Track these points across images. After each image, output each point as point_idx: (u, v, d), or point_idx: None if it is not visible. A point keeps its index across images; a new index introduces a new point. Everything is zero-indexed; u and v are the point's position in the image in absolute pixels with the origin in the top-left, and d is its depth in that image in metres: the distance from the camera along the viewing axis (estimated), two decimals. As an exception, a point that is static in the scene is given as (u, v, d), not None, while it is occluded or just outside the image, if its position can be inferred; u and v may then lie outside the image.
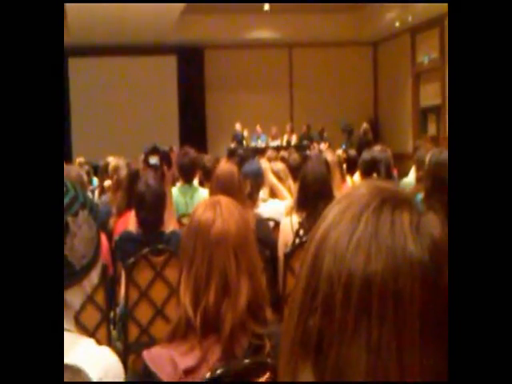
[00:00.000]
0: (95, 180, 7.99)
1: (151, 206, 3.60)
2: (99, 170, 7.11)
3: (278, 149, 11.76)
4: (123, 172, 5.13)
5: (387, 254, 0.74)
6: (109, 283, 3.45)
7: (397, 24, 16.42)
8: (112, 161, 6.55)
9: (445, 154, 3.89)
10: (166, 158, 4.19)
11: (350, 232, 0.77)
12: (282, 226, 4.07)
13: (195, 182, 5.56)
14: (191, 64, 18.05)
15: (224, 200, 1.92)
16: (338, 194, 4.40)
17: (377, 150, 6.20)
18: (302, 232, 3.88)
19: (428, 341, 0.74)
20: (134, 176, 4.42)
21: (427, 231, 0.77)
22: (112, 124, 17.37)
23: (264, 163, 5.28)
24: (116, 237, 3.87)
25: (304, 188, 3.97)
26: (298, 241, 3.87)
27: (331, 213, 0.81)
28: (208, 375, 1.66)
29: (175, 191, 4.96)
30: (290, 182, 5.49)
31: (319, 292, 0.76)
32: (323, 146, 14.60)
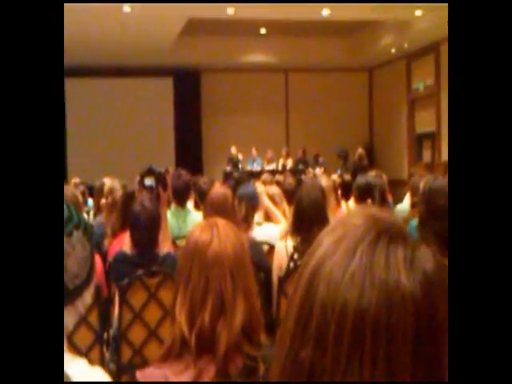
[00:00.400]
0: (90, 201, 7.98)
1: (146, 227, 3.60)
2: (94, 191, 7.11)
3: (273, 172, 11.78)
4: (118, 193, 5.13)
5: (381, 287, 0.74)
6: (103, 304, 3.44)
7: (393, 50, 16.56)
8: (107, 182, 6.54)
9: (439, 181, 3.91)
10: (161, 179, 4.20)
11: (345, 264, 0.76)
12: (276, 250, 4.07)
13: (190, 204, 5.55)
14: (187, 86, 18.13)
15: (221, 222, 1.94)
16: (333, 218, 4.41)
17: (372, 175, 6.23)
18: (296, 256, 3.89)
19: (420, 377, 0.73)
20: (129, 197, 4.42)
21: (420, 266, 0.77)
22: (108, 145, 17.39)
23: (259, 186, 5.30)
24: (110, 258, 3.86)
25: (299, 212, 3.98)
26: (292, 265, 3.87)
27: (325, 241, 0.81)
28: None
29: (168, 214, 4.96)
30: (285, 205, 5.50)
31: (312, 322, 0.76)
32: (318, 170, 14.62)
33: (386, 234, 0.79)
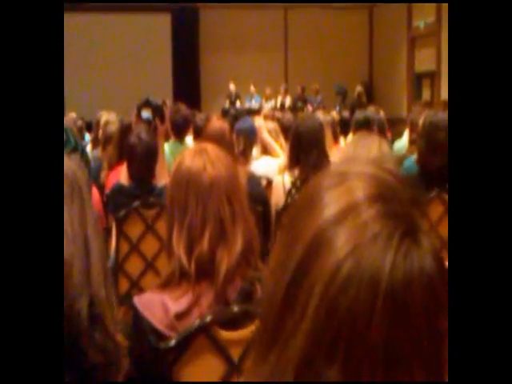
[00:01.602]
0: (88, 136, 7.93)
1: (142, 159, 3.58)
2: (92, 126, 7.06)
3: (272, 110, 11.71)
4: (113, 126, 5.08)
5: (405, 267, 0.71)
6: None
7: (394, -13, 16.29)
8: (103, 115, 6.49)
9: (439, 116, 3.88)
10: (158, 111, 4.15)
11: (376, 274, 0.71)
12: (274, 185, 4.05)
13: (189, 139, 5.51)
14: (186, 22, 17.86)
15: (210, 147, 1.90)
16: (330, 153, 4.39)
17: (370, 110, 6.18)
18: (294, 191, 3.88)
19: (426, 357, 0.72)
20: (125, 129, 4.38)
21: (429, 248, 0.74)
22: (105, 81, 17.21)
23: (258, 121, 5.25)
24: (107, 190, 3.85)
25: (296, 139, 3.92)
26: (290, 200, 3.86)
27: (327, 201, 0.77)
28: (197, 322, 1.67)
29: (166, 148, 4.93)
30: (282, 140, 5.46)
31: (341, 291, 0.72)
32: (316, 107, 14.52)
33: (398, 227, 0.74)
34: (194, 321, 1.67)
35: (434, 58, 15.68)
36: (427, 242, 0.74)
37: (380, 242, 0.72)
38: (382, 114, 6.05)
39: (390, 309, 0.70)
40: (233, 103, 15.33)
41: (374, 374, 0.70)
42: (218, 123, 4.00)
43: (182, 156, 1.90)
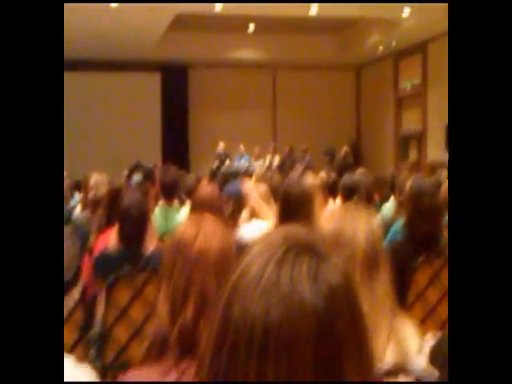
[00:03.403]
0: (77, 196, 7.92)
1: (135, 222, 3.58)
2: (81, 186, 7.06)
3: (263, 171, 11.77)
4: (103, 188, 5.09)
5: (285, 302, 0.79)
6: (88, 301, 3.41)
7: (380, 48, 16.59)
8: (93, 176, 6.50)
9: (426, 181, 3.94)
10: (149, 175, 4.19)
11: (256, 281, 0.81)
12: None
13: (175, 201, 5.54)
14: (175, 81, 18.11)
15: (208, 218, 1.92)
16: (320, 215, 4.40)
17: (358, 173, 6.23)
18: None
19: (321, 377, 0.78)
20: (115, 192, 4.39)
21: (325, 278, 0.81)
22: (94, 139, 17.30)
23: (249, 183, 5.28)
24: (96, 254, 3.84)
25: (285, 202, 3.93)
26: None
27: (246, 258, 0.86)
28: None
29: (156, 210, 4.95)
30: (272, 203, 5.48)
31: (228, 338, 0.81)
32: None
33: (294, 248, 0.83)
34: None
35: (420, 118, 15.91)
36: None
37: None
38: (370, 176, 6.09)
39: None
40: (222, 162, 15.42)
41: (249, 371, 0.78)
42: (207, 188, 4.03)
43: (181, 224, 1.94)
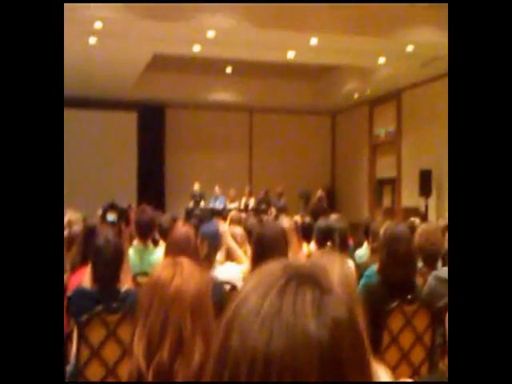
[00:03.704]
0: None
1: (109, 261, 3.56)
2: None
3: (238, 212, 11.77)
4: (77, 227, 5.08)
5: (288, 332, 0.77)
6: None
7: (356, 95, 16.84)
8: (67, 214, 6.48)
9: (400, 228, 3.98)
10: (124, 215, 4.19)
11: (256, 311, 0.79)
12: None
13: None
14: (152, 121, 18.13)
15: (185, 261, 1.95)
16: (294, 258, 4.42)
17: (333, 218, 6.28)
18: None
19: None
20: (90, 231, 4.38)
21: (329, 311, 0.80)
22: (69, 177, 17.15)
23: (223, 225, 5.30)
24: (69, 293, 3.81)
25: (259, 245, 3.95)
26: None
27: (244, 289, 0.85)
28: None
29: (130, 251, 4.93)
30: (247, 246, 5.50)
31: (226, 369, 0.79)
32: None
33: (296, 278, 0.82)
34: None
35: (394, 165, 16.10)
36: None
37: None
38: (345, 221, 6.14)
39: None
40: (197, 203, 15.41)
41: None
42: (183, 229, 4.03)
43: (158, 265, 1.96)
